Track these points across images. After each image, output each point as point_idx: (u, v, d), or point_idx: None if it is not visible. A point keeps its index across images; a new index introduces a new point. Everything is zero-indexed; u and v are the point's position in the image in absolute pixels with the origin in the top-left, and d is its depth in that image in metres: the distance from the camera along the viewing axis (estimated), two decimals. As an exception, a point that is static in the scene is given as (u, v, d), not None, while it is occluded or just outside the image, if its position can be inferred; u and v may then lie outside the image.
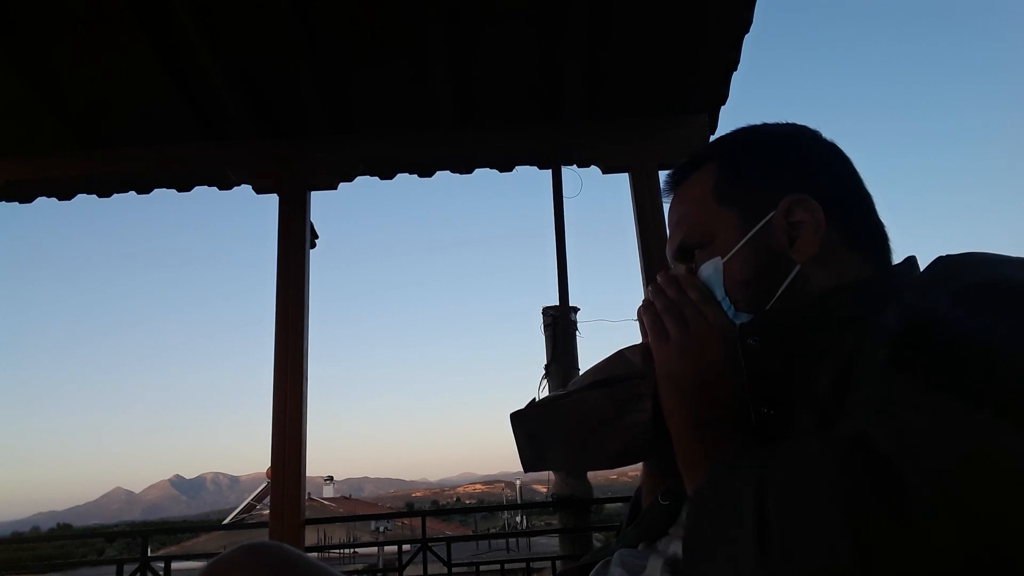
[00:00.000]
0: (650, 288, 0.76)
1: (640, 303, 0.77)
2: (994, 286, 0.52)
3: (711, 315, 0.69)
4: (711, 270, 0.72)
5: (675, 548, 0.69)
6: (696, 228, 0.75)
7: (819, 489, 0.44)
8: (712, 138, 2.78)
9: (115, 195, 3.03)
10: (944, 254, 0.60)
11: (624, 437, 0.70)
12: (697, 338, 0.68)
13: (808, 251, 0.69)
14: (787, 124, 0.78)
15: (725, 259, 0.71)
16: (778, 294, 0.69)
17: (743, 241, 0.71)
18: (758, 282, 0.70)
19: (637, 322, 0.77)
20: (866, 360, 0.53)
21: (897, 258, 0.74)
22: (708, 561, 0.52)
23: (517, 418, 0.76)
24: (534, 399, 0.78)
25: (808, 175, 0.73)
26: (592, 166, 2.85)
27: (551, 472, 3.77)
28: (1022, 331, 0.46)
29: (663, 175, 0.86)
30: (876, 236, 0.74)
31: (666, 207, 0.83)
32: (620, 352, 0.75)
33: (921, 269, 0.64)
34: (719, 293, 0.71)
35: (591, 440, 0.72)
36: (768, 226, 0.71)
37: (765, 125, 0.79)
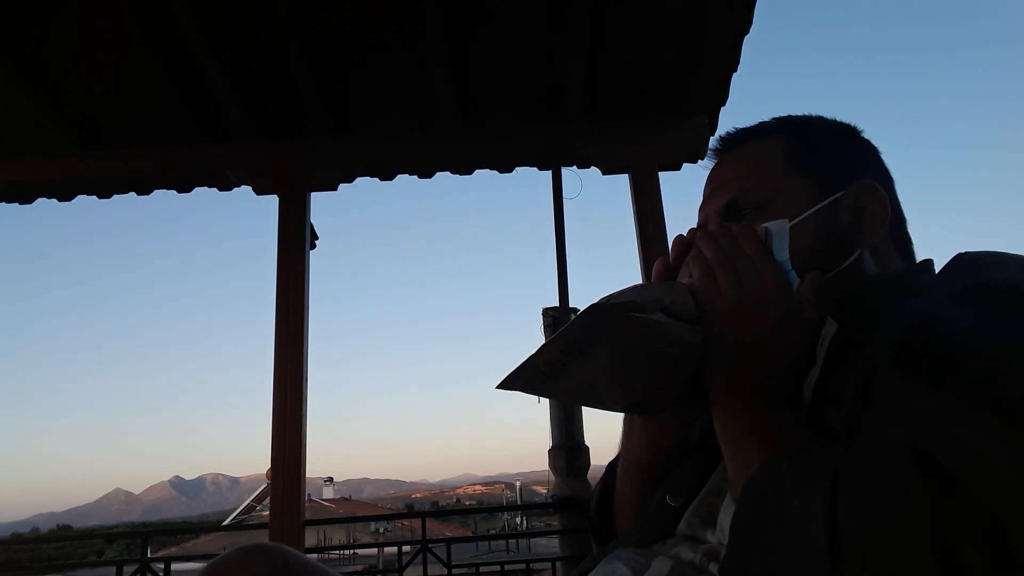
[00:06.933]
0: (698, 234, 0.69)
1: (672, 240, 0.73)
2: (992, 286, 0.52)
3: (768, 276, 0.63)
4: (777, 229, 0.66)
5: (679, 550, 0.67)
6: (758, 187, 0.72)
7: (907, 518, 0.40)
8: (712, 139, 2.78)
9: (115, 195, 3.04)
10: (963, 251, 0.61)
11: (673, 382, 0.63)
12: (753, 299, 0.62)
13: (871, 237, 0.69)
14: (843, 122, 0.78)
15: (793, 222, 0.67)
16: (835, 271, 0.67)
17: (814, 209, 0.69)
18: (822, 254, 0.67)
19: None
20: (878, 362, 0.53)
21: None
22: (757, 564, 0.48)
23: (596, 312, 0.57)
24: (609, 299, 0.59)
25: (873, 168, 0.75)
26: (592, 167, 2.85)
27: (551, 472, 3.74)
28: (1016, 330, 0.46)
29: (712, 139, 0.82)
30: (910, 244, 0.75)
31: (706, 172, 0.80)
32: (679, 284, 0.66)
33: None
34: (782, 255, 0.65)
35: (643, 370, 0.62)
36: (837, 203, 0.70)
37: (824, 117, 0.78)
